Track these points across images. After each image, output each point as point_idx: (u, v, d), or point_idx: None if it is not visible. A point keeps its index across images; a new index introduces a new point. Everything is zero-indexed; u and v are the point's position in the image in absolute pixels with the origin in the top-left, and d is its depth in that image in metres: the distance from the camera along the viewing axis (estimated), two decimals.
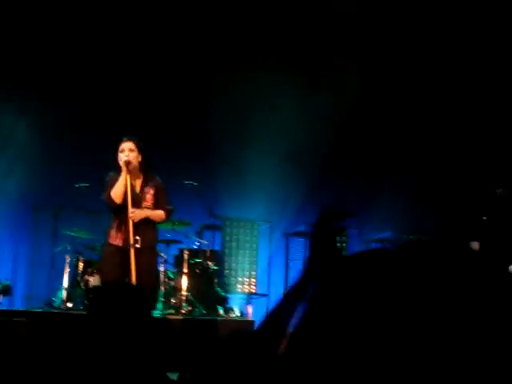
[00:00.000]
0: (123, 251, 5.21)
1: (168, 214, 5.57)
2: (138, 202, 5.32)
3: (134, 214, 5.26)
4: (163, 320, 6.55)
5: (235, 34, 9.03)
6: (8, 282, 7.76)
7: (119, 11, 8.69)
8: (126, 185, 5.22)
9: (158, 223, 5.67)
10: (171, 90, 9.17)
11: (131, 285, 2.93)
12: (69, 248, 7.68)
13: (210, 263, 8.04)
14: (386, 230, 9.58)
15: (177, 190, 7.71)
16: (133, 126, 8.40)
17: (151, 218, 5.42)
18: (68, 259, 7.56)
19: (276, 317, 2.09)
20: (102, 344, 2.37)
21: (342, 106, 9.14)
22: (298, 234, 9.59)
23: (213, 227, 8.89)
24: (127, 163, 5.21)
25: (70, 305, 7.21)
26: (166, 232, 7.88)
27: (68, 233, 7.70)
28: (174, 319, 6.68)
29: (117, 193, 5.23)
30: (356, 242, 9.71)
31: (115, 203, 5.26)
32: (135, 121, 8.58)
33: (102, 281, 5.85)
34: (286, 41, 9.15)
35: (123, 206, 5.25)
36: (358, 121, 9.51)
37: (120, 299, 2.51)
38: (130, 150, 5.29)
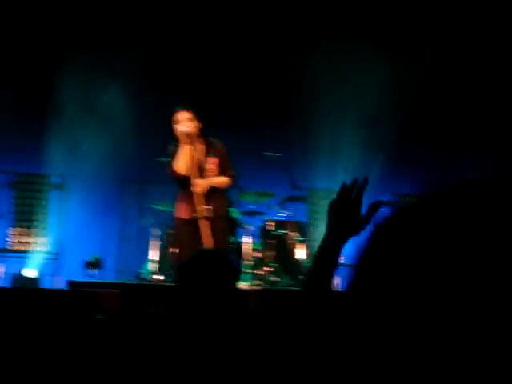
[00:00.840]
0: (191, 223, 5.14)
1: (232, 180, 5.42)
2: (201, 173, 5.23)
3: (197, 185, 5.17)
4: (250, 291, 6.59)
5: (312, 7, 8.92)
6: (100, 256, 8.02)
7: None
8: (187, 156, 5.13)
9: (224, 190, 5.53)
10: (250, 62, 9.14)
11: (219, 253, 2.91)
12: (154, 221, 7.84)
13: (294, 234, 8.01)
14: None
15: (258, 161, 7.72)
16: (212, 98, 8.47)
17: (215, 186, 5.30)
18: (155, 232, 7.71)
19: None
20: (191, 313, 2.37)
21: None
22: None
23: (296, 198, 8.85)
24: (186, 134, 5.11)
25: (159, 277, 7.36)
26: (249, 204, 7.91)
27: (154, 206, 7.86)
28: (260, 290, 6.71)
29: (180, 165, 5.17)
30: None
31: (179, 176, 5.20)
32: (214, 93, 8.63)
33: (179, 257, 5.71)
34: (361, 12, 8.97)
35: (188, 178, 5.18)
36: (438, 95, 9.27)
37: (209, 267, 2.49)
38: (189, 120, 5.19)
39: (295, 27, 9.04)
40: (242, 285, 6.72)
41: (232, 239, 7.05)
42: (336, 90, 8.97)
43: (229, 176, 5.36)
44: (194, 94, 8.11)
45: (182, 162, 5.13)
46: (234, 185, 5.57)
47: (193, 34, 9.02)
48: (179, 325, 2.35)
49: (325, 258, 1.75)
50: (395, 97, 9.04)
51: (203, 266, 2.48)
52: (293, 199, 8.67)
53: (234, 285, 2.59)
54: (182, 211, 5.26)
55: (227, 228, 5.62)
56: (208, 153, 5.30)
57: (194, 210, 5.12)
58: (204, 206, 5.12)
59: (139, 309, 5.50)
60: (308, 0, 9.02)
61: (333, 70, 8.94)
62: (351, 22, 8.95)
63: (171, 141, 5.27)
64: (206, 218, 5.10)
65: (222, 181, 5.34)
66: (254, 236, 7.78)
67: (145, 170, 8.13)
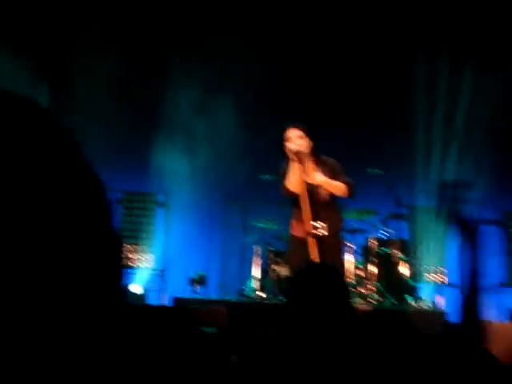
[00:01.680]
0: (306, 240, 5.01)
1: (349, 186, 5.11)
2: (313, 191, 5.09)
3: (312, 176, 5.06)
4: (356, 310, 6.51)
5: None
6: (204, 273, 8.16)
7: None
8: (298, 174, 5.02)
9: (337, 201, 5.28)
10: (355, 78, 9.13)
11: (331, 267, 2.84)
12: (258, 238, 7.91)
13: (398, 252, 7.87)
14: None
15: (361, 178, 7.64)
16: (311, 115, 8.49)
17: (329, 187, 5.09)
18: (257, 250, 7.77)
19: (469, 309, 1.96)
20: (303, 328, 2.33)
21: None
22: (489, 222, 9.14)
23: (399, 216, 8.71)
24: (296, 153, 5.01)
25: (262, 294, 7.40)
26: (351, 221, 7.84)
27: (257, 224, 7.93)
28: (364, 309, 6.61)
29: (292, 183, 5.08)
30: None
31: (292, 194, 5.12)
32: (320, 109, 8.64)
33: (290, 274, 5.69)
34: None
35: (299, 196, 5.05)
36: None
37: (321, 281, 2.42)
38: (300, 138, 5.08)
39: (400, 44, 8.95)
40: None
41: None
42: (441, 106, 8.81)
43: (344, 183, 5.12)
44: (303, 111, 8.12)
45: (294, 181, 5.09)
46: (352, 194, 5.19)
47: (304, 52, 9.09)
48: (292, 346, 2.31)
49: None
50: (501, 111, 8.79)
51: (314, 279, 2.43)
52: (395, 217, 8.53)
53: (348, 301, 2.53)
54: (295, 229, 5.19)
55: (341, 247, 5.42)
56: (320, 170, 5.15)
57: (308, 228, 4.99)
58: (316, 224, 5.03)
59: (248, 328, 5.54)
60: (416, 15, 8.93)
61: (439, 85, 8.80)
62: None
63: (282, 159, 5.22)
64: (318, 236, 4.97)
65: (337, 184, 5.10)
66: (356, 254, 7.70)
67: (249, 187, 8.23)
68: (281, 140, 5.12)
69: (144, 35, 8.93)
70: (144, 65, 9.00)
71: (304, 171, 5.08)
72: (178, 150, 8.68)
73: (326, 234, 4.98)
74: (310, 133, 5.14)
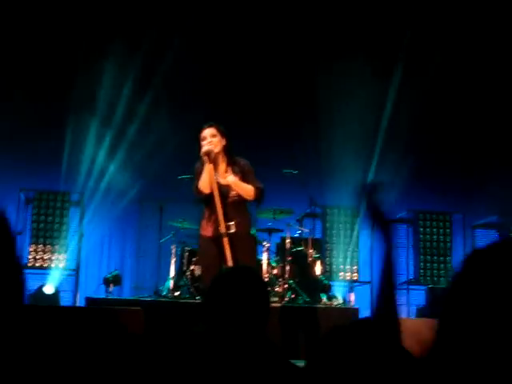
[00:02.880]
0: (216, 241, 5.02)
1: (257, 190, 5.11)
2: (224, 191, 5.09)
3: (222, 177, 5.06)
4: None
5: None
6: (118, 272, 8.07)
7: None
8: (210, 175, 5.01)
9: (246, 202, 5.24)
10: (268, 80, 9.26)
11: (249, 269, 2.90)
12: (174, 238, 7.90)
13: (311, 251, 8.04)
14: (491, 214, 9.30)
15: (276, 178, 7.76)
16: (230, 114, 8.57)
17: (238, 189, 5.10)
18: (173, 249, 7.76)
19: (382, 303, 2.05)
20: (219, 330, 2.37)
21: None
22: (398, 221, 9.47)
23: (313, 215, 8.91)
24: (206, 153, 5.00)
25: (177, 293, 7.40)
26: (267, 221, 7.95)
27: (173, 224, 7.92)
28: (277, 307, 6.72)
29: (203, 184, 5.06)
30: (460, 227, 9.46)
31: (203, 194, 5.08)
32: (232, 109, 8.71)
33: (202, 274, 5.66)
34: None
35: (212, 196, 5.03)
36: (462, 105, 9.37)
37: (240, 284, 2.46)
38: (212, 136, 5.08)
39: (309, 47, 9.16)
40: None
41: None
42: (350, 107, 9.04)
43: (254, 186, 5.12)
44: (218, 110, 8.16)
45: (205, 181, 5.09)
46: (259, 198, 5.19)
47: (218, 53, 9.15)
48: (218, 343, 2.33)
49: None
50: (410, 111, 9.13)
51: (235, 282, 2.46)
52: (310, 216, 8.72)
53: (267, 301, 2.58)
54: (205, 229, 5.19)
55: (253, 245, 5.45)
56: (231, 170, 5.18)
57: (217, 228, 5.00)
58: (229, 222, 5.05)
59: (161, 325, 5.53)
60: (312, 25, 9.19)
61: (345, 87, 9.02)
62: (353, 40, 9.06)
63: (197, 159, 5.20)
64: (230, 236, 4.98)
65: (246, 187, 5.11)
66: (270, 253, 7.82)
67: (164, 186, 8.21)
68: (197, 139, 5.12)
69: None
70: (58, 51, 8.84)
71: (215, 171, 5.09)
72: (92, 148, 8.56)
73: (234, 231, 5.00)
74: (223, 131, 5.15)
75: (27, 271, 8.32)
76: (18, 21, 8.77)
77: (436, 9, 9.14)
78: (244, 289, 2.41)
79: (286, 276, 7.56)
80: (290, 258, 7.68)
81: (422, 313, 8.11)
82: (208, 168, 5.01)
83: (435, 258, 9.06)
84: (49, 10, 8.78)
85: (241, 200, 5.17)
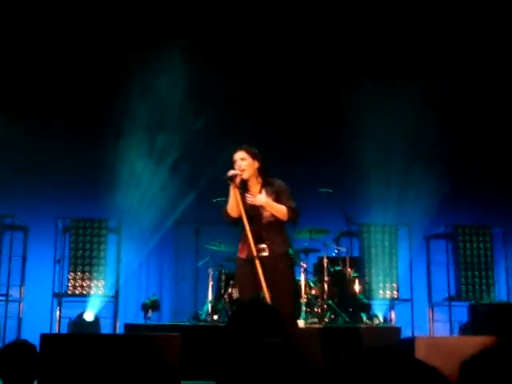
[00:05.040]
0: (251, 263, 4.95)
1: (291, 210, 5.04)
2: (257, 213, 5.05)
3: (254, 198, 5.01)
4: (307, 330, 6.54)
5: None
6: (156, 298, 8.09)
7: None
8: (236, 198, 4.98)
9: (283, 222, 5.13)
10: (305, 96, 9.29)
11: (264, 304, 3.05)
12: (211, 262, 7.89)
13: (350, 270, 7.96)
14: None
15: (312, 198, 7.72)
16: (264, 135, 8.59)
17: (271, 209, 5.03)
18: (211, 272, 7.76)
19: None
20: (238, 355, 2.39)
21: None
22: (438, 237, 9.35)
23: (350, 234, 8.84)
24: (231, 177, 4.99)
25: (215, 317, 7.37)
26: (303, 241, 7.91)
27: (209, 247, 7.92)
28: (318, 328, 6.66)
29: (230, 208, 5.06)
30: (500, 240, 9.30)
31: (231, 218, 5.10)
32: (268, 129, 8.74)
33: (239, 296, 5.61)
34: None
35: (239, 220, 5.02)
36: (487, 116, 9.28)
37: (253, 318, 2.57)
38: (241, 159, 5.06)
39: (342, 64, 9.16)
40: (300, 323, 6.68)
41: None
42: (386, 123, 8.99)
43: (287, 206, 5.05)
44: (255, 129, 8.18)
45: (231, 204, 5.09)
46: (293, 218, 5.11)
47: (252, 72, 9.21)
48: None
49: None
50: (447, 122, 9.07)
51: (249, 315, 2.59)
52: (346, 234, 8.66)
53: (279, 331, 2.68)
54: (241, 251, 5.17)
55: (290, 266, 5.23)
56: (262, 193, 5.13)
57: (250, 250, 4.93)
58: (263, 245, 5.02)
59: (199, 350, 5.52)
60: (342, 41, 9.21)
61: (380, 102, 8.99)
62: (387, 58, 9.04)
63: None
64: (262, 258, 4.92)
65: (279, 207, 5.05)
66: (308, 273, 7.76)
67: (200, 210, 8.24)
68: (231, 163, 5.12)
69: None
70: (91, 79, 8.99)
71: (249, 192, 5.09)
72: (128, 175, 8.64)
73: (267, 254, 4.97)
74: (255, 153, 5.14)
75: (67, 299, 8.42)
76: (58, 47, 8.96)
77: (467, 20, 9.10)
78: (256, 323, 2.52)
79: (325, 296, 7.49)
80: (328, 278, 7.61)
81: (464, 330, 7.94)
82: (233, 191, 5.01)
83: (476, 273, 8.90)
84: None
85: (276, 221, 5.11)
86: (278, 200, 5.09)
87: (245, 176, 5.08)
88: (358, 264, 8.58)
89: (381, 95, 8.94)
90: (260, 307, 2.72)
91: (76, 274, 8.44)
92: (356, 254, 8.87)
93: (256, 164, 5.10)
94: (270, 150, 5.45)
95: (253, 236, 4.93)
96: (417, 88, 8.81)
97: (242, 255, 5.09)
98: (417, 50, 9.20)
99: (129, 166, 8.67)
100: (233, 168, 5.06)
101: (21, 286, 8.51)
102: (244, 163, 5.07)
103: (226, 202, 5.22)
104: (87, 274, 8.43)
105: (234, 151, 5.12)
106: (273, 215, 5.09)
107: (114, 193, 8.41)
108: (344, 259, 8.10)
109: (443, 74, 9.06)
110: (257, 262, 4.85)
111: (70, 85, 9.00)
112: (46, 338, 4.56)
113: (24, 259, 8.61)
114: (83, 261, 8.47)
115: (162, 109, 8.83)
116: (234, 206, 5.03)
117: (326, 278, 7.59)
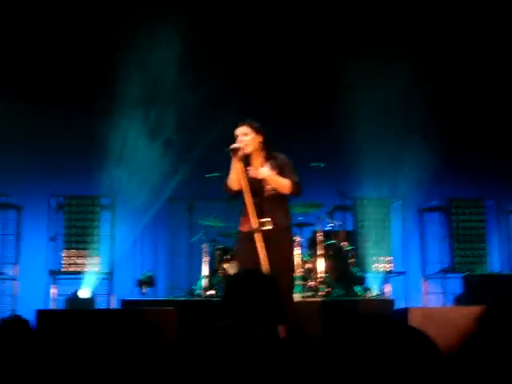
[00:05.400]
0: (252, 236, 4.94)
1: (294, 184, 5.03)
2: (259, 186, 5.05)
3: (256, 171, 5.02)
4: (302, 303, 6.58)
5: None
6: (151, 274, 8.11)
7: None
8: (238, 171, 4.99)
9: (285, 195, 5.14)
10: (296, 71, 9.25)
11: (262, 275, 3.01)
12: (204, 237, 7.89)
13: (344, 244, 7.99)
14: None
15: (305, 172, 7.70)
16: (257, 110, 8.53)
17: (274, 183, 5.03)
18: (205, 248, 7.76)
19: None
20: (235, 328, 2.39)
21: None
22: (431, 209, 9.37)
23: (344, 208, 8.85)
24: (232, 150, 4.97)
25: (211, 292, 7.40)
26: (298, 215, 7.91)
27: (204, 222, 7.91)
28: (313, 301, 6.69)
29: (230, 181, 5.07)
30: (493, 213, 9.33)
31: (232, 191, 5.10)
32: (259, 105, 8.68)
33: (238, 269, 5.61)
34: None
35: (241, 193, 5.03)
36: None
37: (250, 289, 2.54)
38: (244, 134, 5.06)
39: (334, 39, 9.11)
40: (295, 296, 6.70)
41: None
42: (378, 97, 8.96)
43: (290, 180, 5.04)
44: (246, 106, 8.14)
45: (231, 177, 5.08)
46: (295, 192, 5.10)
47: (244, 49, 9.15)
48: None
49: None
50: (440, 97, 9.05)
51: (246, 288, 2.55)
52: (340, 208, 8.67)
53: (276, 304, 2.65)
54: (242, 225, 5.15)
55: (291, 239, 5.30)
56: (265, 166, 5.09)
57: (252, 223, 4.93)
58: (262, 219, 5.01)
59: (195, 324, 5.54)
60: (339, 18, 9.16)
61: (372, 77, 8.94)
62: (384, 35, 8.99)
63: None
64: (268, 231, 4.92)
65: (282, 181, 5.03)
66: (302, 247, 7.78)
67: (193, 186, 8.22)
68: (231, 138, 5.10)
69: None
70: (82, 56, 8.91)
71: (251, 166, 5.08)
72: (120, 151, 8.61)
73: (270, 228, 4.96)
74: (258, 128, 5.11)
75: (62, 276, 8.44)
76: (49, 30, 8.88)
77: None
78: (253, 294, 2.49)
79: (320, 270, 7.51)
80: (322, 252, 7.63)
81: (458, 301, 8.00)
82: (235, 165, 5.00)
83: (470, 245, 8.94)
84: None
85: (278, 194, 5.11)
86: (281, 174, 5.07)
87: (248, 150, 5.08)
88: (352, 237, 8.60)
89: (373, 68, 8.89)
90: (257, 277, 2.70)
91: (70, 252, 8.44)
92: (350, 227, 8.88)
93: (259, 138, 5.09)
94: (262, 126, 5.39)
95: (255, 209, 4.92)
96: (410, 60, 8.77)
97: (245, 228, 5.08)
98: (409, 22, 9.15)
99: (121, 142, 8.64)
100: (234, 142, 5.05)
101: (15, 264, 8.51)
102: (246, 138, 5.07)
103: (222, 176, 5.21)
104: (82, 251, 8.43)
105: (236, 126, 5.10)
106: (274, 189, 5.08)
107: (107, 170, 8.38)
108: (338, 233, 8.13)
109: (437, 45, 9.03)
110: (257, 235, 4.85)
111: (62, 63, 8.93)
112: (41, 313, 4.57)
113: (18, 237, 8.60)
114: (77, 238, 8.47)
115: (155, 84, 8.77)
116: (235, 178, 5.01)
117: (320, 252, 7.61)
